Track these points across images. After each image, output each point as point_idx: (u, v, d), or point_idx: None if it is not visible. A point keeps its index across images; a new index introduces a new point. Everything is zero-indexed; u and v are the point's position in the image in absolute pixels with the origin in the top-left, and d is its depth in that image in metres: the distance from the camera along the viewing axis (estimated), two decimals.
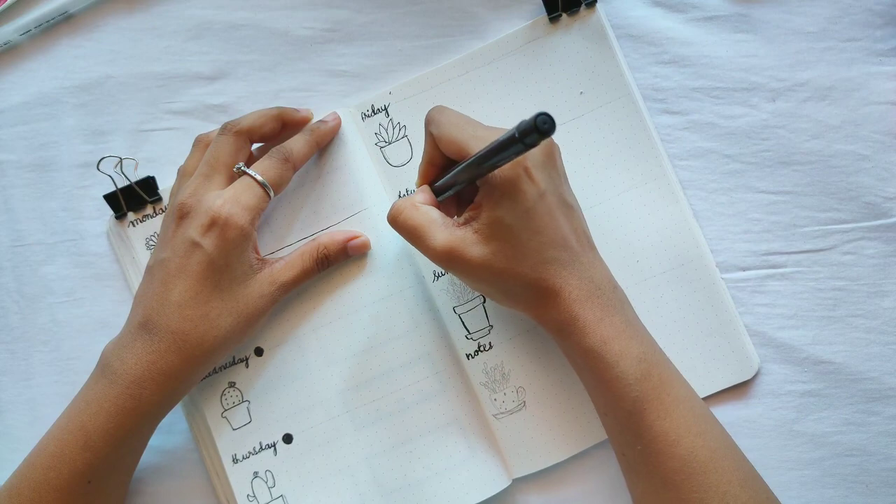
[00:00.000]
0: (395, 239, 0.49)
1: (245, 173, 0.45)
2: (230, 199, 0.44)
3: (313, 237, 0.49)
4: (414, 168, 0.50)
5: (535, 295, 0.41)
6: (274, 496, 0.48)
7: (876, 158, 0.48)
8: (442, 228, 0.41)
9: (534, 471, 0.48)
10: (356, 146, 0.50)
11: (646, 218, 0.49)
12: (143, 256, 0.50)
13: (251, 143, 0.47)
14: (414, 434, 0.48)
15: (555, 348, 0.48)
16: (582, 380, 0.43)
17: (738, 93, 0.49)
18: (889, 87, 0.48)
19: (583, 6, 0.49)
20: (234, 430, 0.49)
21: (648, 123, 0.49)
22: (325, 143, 0.49)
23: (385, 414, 0.48)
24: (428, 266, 0.49)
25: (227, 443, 0.49)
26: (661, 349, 0.43)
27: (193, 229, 0.43)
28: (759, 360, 0.48)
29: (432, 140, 0.43)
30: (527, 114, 0.48)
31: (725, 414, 0.48)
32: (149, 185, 0.50)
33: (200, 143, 0.48)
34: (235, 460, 0.48)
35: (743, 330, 0.48)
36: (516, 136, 0.33)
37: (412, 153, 0.50)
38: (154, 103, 0.52)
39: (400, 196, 0.50)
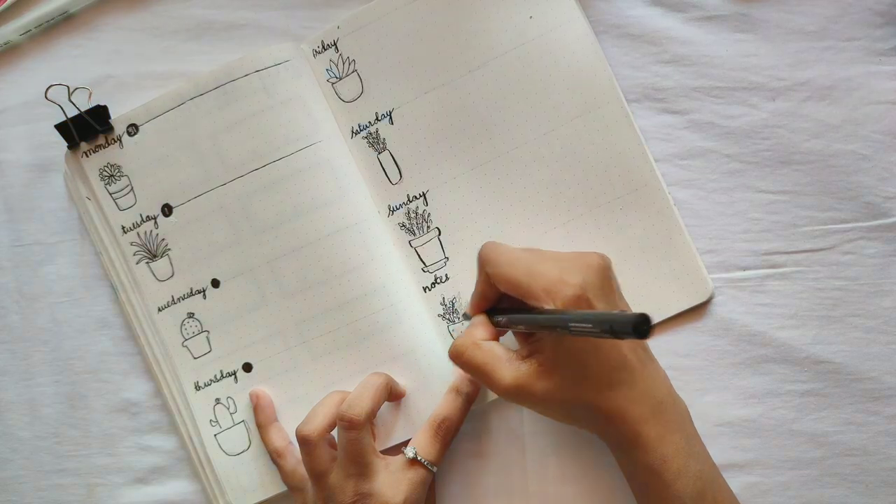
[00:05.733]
0: (349, 173, 0.49)
1: (417, 462, 0.45)
2: (412, 498, 0.45)
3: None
4: (365, 103, 0.50)
5: (599, 417, 0.42)
6: (236, 421, 0.50)
7: (876, 158, 0.48)
8: (507, 365, 0.42)
9: (487, 402, 0.49)
10: (309, 82, 0.50)
11: (597, 143, 0.48)
12: (98, 187, 0.50)
13: None
14: (370, 365, 0.49)
15: None
16: (634, 493, 0.43)
17: (737, 92, 0.49)
18: (889, 87, 0.48)
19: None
20: (195, 358, 0.50)
21: (600, 52, 0.49)
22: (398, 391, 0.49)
23: (342, 345, 0.49)
24: (383, 201, 0.50)
25: (189, 371, 0.50)
26: (714, 464, 0.43)
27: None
28: (713, 283, 0.48)
29: (486, 277, 0.44)
30: (477, 44, 0.48)
31: (725, 414, 0.48)
32: (99, 114, 0.50)
33: (310, 445, 0.46)
34: (197, 387, 0.50)
35: (696, 254, 0.48)
36: (608, 328, 0.34)
37: (362, 88, 0.50)
38: None
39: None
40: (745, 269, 0.48)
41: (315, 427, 0.45)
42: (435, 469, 0.46)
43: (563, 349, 0.41)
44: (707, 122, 0.49)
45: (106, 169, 0.50)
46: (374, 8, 0.50)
